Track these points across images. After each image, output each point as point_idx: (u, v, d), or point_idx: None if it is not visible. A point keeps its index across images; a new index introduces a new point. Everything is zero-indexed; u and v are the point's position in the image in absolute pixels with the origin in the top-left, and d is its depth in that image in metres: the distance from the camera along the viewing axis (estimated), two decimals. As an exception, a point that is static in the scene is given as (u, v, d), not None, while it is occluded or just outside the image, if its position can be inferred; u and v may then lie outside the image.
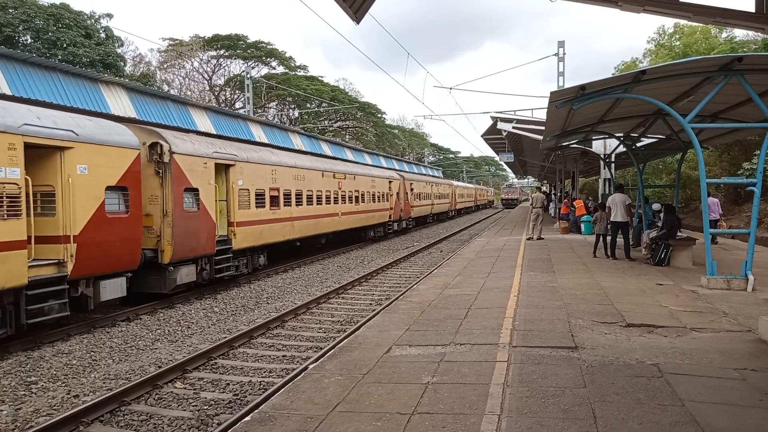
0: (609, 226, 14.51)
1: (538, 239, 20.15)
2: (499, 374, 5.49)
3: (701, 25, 29.30)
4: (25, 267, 8.58)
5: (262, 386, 7.26)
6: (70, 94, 14.27)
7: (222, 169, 14.19)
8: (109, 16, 38.13)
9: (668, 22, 36.53)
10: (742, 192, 27.60)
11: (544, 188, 53.46)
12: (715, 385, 5.08)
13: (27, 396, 7.03)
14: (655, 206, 16.91)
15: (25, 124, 8.68)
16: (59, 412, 6.42)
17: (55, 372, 7.92)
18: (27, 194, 8.68)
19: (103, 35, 36.51)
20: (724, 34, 32.10)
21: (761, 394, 4.83)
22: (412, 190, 35.03)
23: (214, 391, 7.18)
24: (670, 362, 5.73)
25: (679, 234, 13.21)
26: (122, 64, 38.55)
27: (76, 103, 14.17)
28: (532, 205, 22.06)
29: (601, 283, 10.56)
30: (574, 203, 24.94)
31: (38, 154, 9.22)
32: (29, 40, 32.74)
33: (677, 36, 35.19)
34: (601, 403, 4.67)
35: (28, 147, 8.75)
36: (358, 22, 6.11)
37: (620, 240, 14.35)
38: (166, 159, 11.90)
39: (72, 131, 9.57)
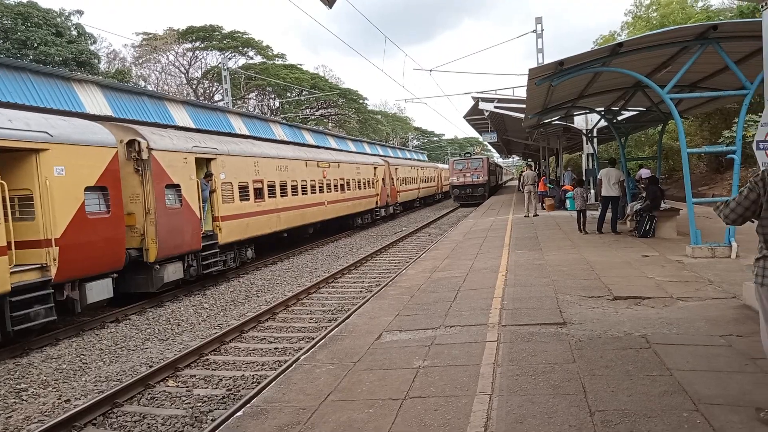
0: (600, 199, 14.60)
1: (534, 216, 20.33)
2: (489, 354, 5.51)
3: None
4: (7, 273, 8.44)
5: (255, 380, 7.24)
6: (43, 94, 13.95)
7: (203, 164, 14.02)
8: (80, 12, 37.70)
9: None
10: (723, 160, 27.90)
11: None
12: (702, 353, 5.15)
13: (17, 403, 6.95)
14: (645, 172, 17.01)
15: (-3, 127, 8.48)
16: (51, 418, 6.36)
17: (45, 377, 7.83)
18: (3, 199, 8.51)
19: (74, 33, 35.75)
20: (700, 3, 32.24)
21: (746, 359, 4.90)
22: (397, 175, 34.97)
23: (206, 388, 7.15)
24: (658, 333, 5.80)
25: (662, 205, 13.33)
26: (96, 61, 37.80)
27: (49, 103, 13.86)
28: (523, 183, 22.30)
29: (588, 258, 10.64)
30: (563, 186, 25.12)
31: (12, 158, 9.03)
32: (-2, 41, 31.94)
33: (654, 7, 35.22)
34: (590, 377, 4.71)
35: (1, 151, 8.56)
36: (330, 6, 6.00)
37: (608, 214, 14.45)
38: (144, 156, 11.73)
39: (46, 132, 9.37)
